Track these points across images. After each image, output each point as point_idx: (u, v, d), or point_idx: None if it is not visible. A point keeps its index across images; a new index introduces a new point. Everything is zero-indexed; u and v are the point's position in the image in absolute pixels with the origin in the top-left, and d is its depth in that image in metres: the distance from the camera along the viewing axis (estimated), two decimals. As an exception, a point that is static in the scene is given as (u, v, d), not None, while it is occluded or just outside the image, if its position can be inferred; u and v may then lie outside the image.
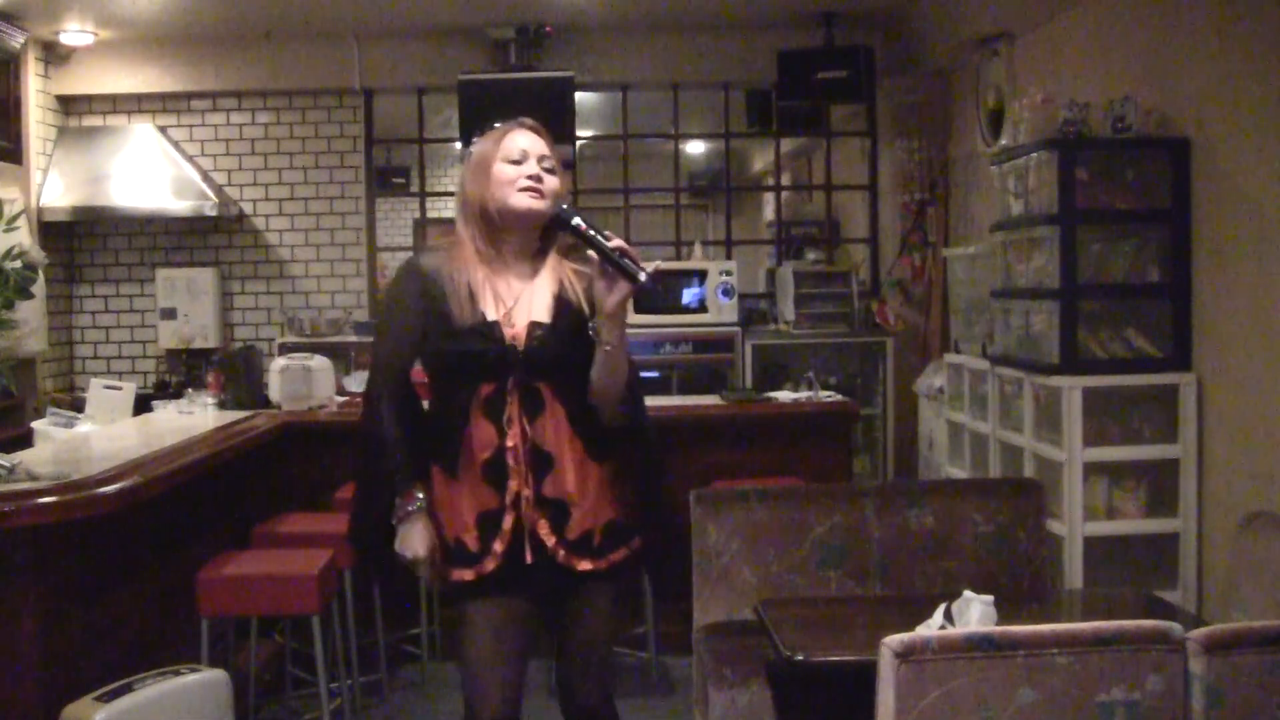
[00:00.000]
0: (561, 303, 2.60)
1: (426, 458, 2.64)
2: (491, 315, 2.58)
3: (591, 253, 2.50)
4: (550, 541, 2.57)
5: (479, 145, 2.68)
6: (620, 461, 2.66)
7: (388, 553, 2.65)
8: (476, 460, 2.57)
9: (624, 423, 2.64)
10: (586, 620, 2.69)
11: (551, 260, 2.65)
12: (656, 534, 2.74)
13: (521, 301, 2.61)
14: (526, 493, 2.56)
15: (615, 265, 2.46)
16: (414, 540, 2.60)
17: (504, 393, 2.56)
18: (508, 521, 2.56)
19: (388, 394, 2.66)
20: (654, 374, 6.65)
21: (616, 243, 2.48)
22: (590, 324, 2.55)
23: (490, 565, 2.57)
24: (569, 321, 2.58)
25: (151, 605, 3.72)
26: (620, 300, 2.48)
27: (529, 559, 2.57)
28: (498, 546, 2.57)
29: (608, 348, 2.52)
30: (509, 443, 2.55)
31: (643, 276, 2.44)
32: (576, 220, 2.52)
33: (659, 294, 6.69)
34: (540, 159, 2.62)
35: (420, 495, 2.61)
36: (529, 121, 2.69)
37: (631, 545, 2.68)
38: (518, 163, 2.60)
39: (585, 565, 2.60)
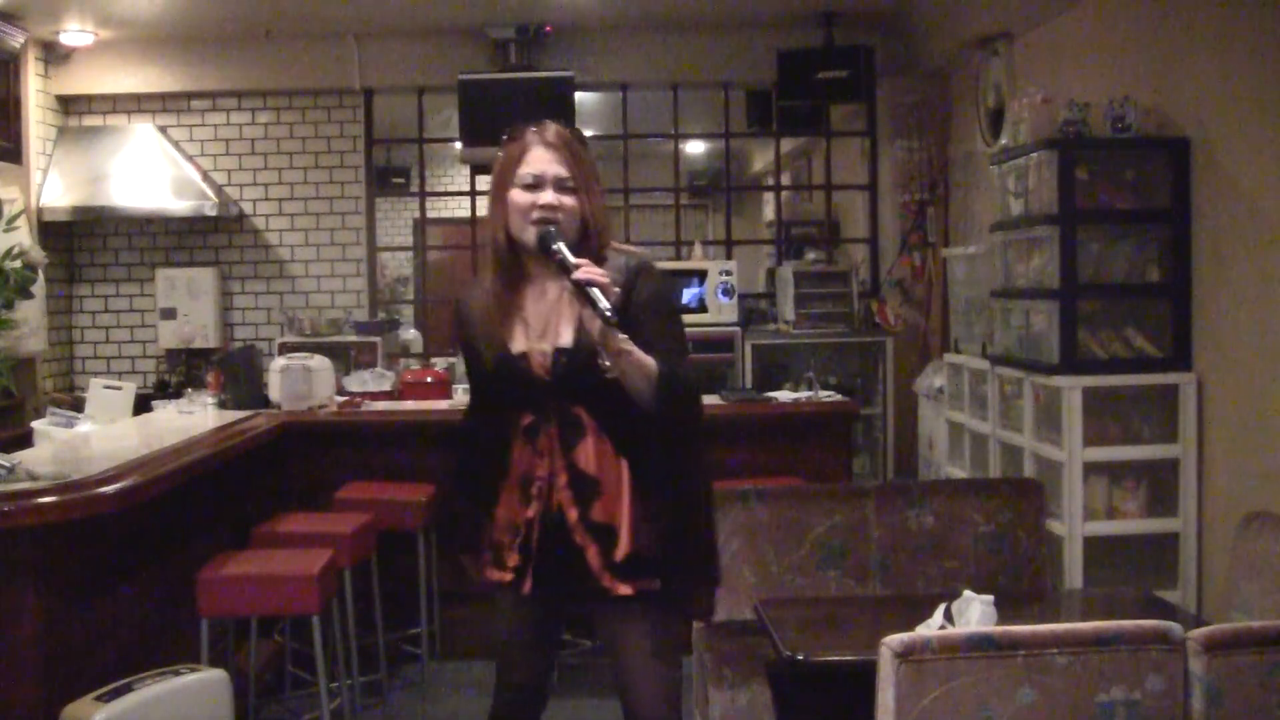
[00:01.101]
0: (584, 323, 2.48)
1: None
2: (518, 347, 2.53)
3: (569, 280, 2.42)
4: (596, 565, 2.52)
5: (500, 161, 2.55)
6: (664, 491, 2.55)
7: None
8: (516, 480, 2.58)
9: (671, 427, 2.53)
10: (636, 641, 2.58)
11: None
12: (691, 571, 2.59)
13: (550, 326, 2.54)
14: (573, 518, 2.52)
15: (584, 296, 2.37)
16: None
17: (541, 422, 2.53)
18: (528, 536, 2.57)
19: (475, 426, 2.73)
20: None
21: (583, 274, 2.36)
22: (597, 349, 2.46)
23: (508, 577, 2.61)
24: (593, 344, 2.46)
25: (151, 605, 3.72)
26: (599, 329, 2.37)
27: (564, 584, 2.57)
28: (511, 561, 2.59)
29: (609, 375, 2.44)
30: (540, 471, 2.53)
31: (602, 306, 2.33)
32: (556, 245, 2.43)
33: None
34: (557, 180, 2.49)
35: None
36: (550, 134, 2.53)
37: (658, 578, 2.58)
38: (533, 187, 2.49)
39: (626, 590, 2.53)
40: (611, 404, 2.49)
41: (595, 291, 2.35)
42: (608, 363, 2.43)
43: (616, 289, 2.40)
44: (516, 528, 2.58)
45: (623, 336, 2.40)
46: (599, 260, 2.46)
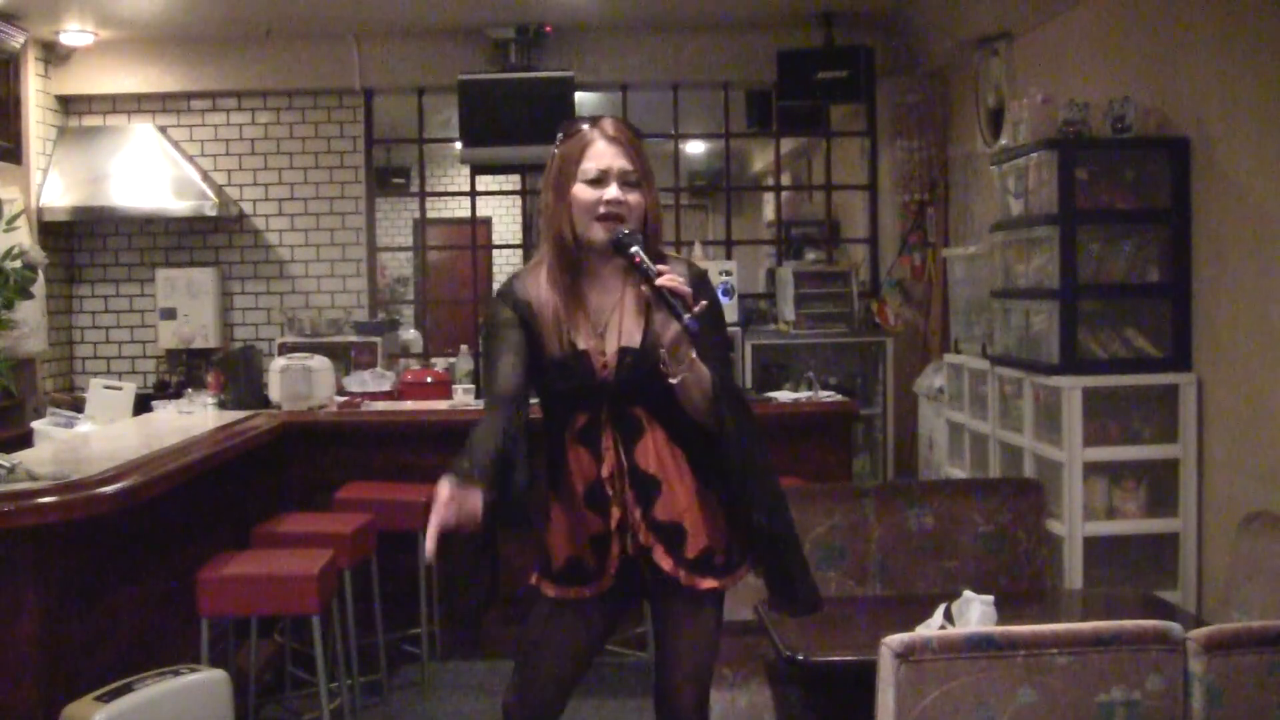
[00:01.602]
0: (650, 321, 2.47)
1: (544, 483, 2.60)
2: (582, 343, 2.49)
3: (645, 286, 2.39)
4: (668, 565, 2.51)
5: (559, 156, 2.50)
6: (732, 488, 2.54)
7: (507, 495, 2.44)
8: (578, 488, 2.53)
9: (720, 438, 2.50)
10: (692, 630, 2.59)
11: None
12: (778, 569, 2.57)
13: (612, 323, 2.51)
14: (635, 518, 2.51)
15: (664, 302, 2.34)
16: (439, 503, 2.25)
17: (599, 422, 2.50)
18: (615, 547, 2.53)
19: (496, 419, 2.48)
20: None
21: (665, 280, 2.33)
22: (660, 354, 2.42)
23: (608, 584, 2.56)
24: (664, 349, 2.44)
25: (151, 605, 3.72)
26: (673, 336, 2.33)
27: (643, 578, 2.54)
28: (611, 568, 2.55)
29: (673, 380, 2.40)
30: (604, 472, 2.50)
31: (687, 319, 2.31)
32: (633, 249, 2.40)
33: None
34: (621, 175, 2.46)
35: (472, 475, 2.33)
36: (611, 127, 2.49)
37: (745, 567, 2.60)
38: (597, 181, 2.45)
39: (710, 583, 2.53)
40: (670, 403, 2.47)
41: (675, 301, 2.32)
42: (674, 371, 2.39)
43: (705, 301, 2.37)
44: (595, 539, 2.54)
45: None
46: (660, 262, 2.43)
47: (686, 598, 2.56)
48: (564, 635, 2.62)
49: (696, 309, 2.32)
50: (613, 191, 2.45)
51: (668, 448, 2.51)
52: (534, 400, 2.61)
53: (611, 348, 2.49)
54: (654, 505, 2.51)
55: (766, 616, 2.97)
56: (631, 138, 2.50)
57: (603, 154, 2.47)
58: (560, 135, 2.54)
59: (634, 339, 2.49)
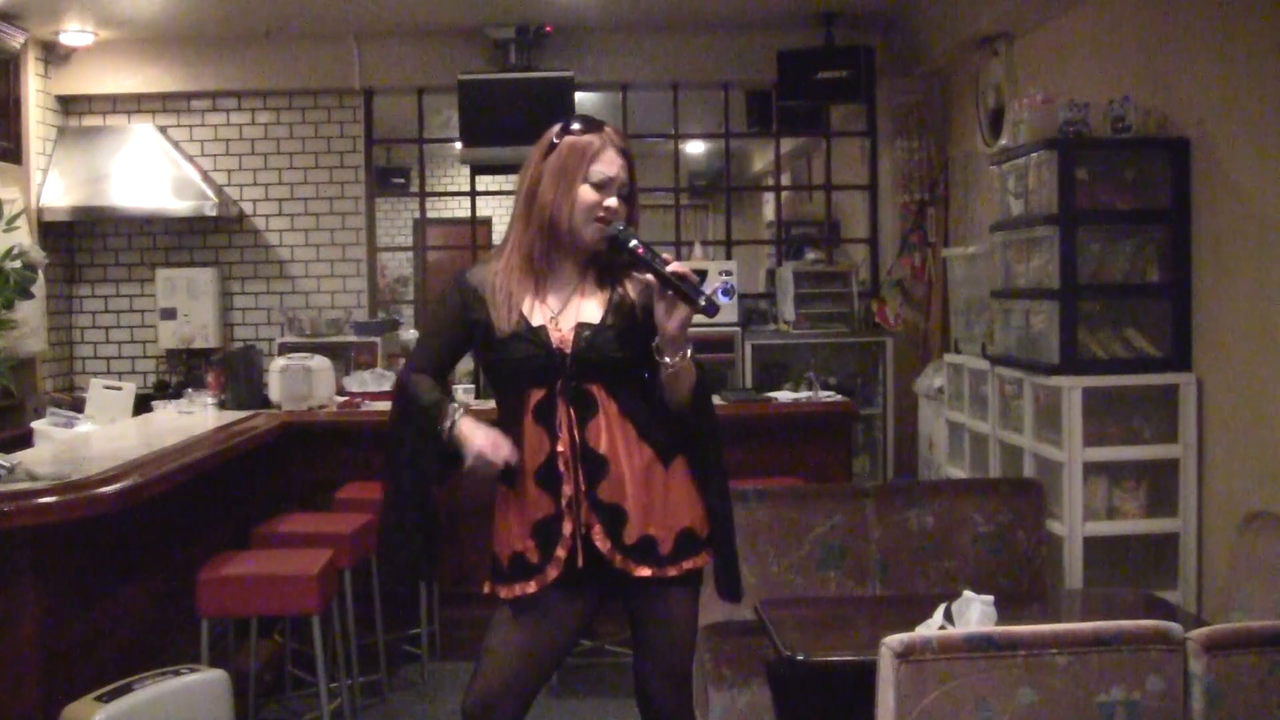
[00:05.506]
0: (614, 305, 2.57)
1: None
2: (537, 320, 2.55)
3: (649, 275, 2.48)
4: (605, 547, 2.53)
5: (567, 148, 2.55)
6: (694, 465, 2.63)
7: (422, 551, 2.62)
8: (529, 467, 2.54)
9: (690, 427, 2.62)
10: (662, 625, 2.61)
11: (605, 264, 2.61)
12: (727, 549, 2.67)
13: (570, 305, 2.58)
14: (580, 493, 2.53)
15: (674, 289, 2.42)
16: (476, 437, 2.49)
17: (554, 397, 2.53)
18: (568, 527, 2.54)
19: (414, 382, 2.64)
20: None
21: (674, 266, 2.43)
22: (654, 344, 2.52)
23: (554, 573, 2.54)
24: (620, 323, 2.55)
25: (151, 605, 3.72)
26: (680, 323, 2.45)
27: (580, 563, 2.54)
28: (560, 553, 2.54)
29: (670, 368, 2.50)
30: (559, 448, 2.52)
31: (702, 301, 2.40)
32: (634, 243, 2.48)
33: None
34: (621, 185, 2.56)
35: (456, 405, 2.56)
36: (619, 138, 2.60)
37: (702, 555, 2.62)
38: (601, 187, 2.54)
39: (644, 571, 2.54)
40: (628, 382, 2.57)
41: (685, 285, 2.42)
42: (671, 357, 2.49)
43: (722, 280, 2.49)
44: (540, 525, 2.54)
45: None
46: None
47: (650, 590, 2.58)
48: (521, 636, 2.59)
49: (709, 291, 2.42)
50: (613, 200, 2.55)
51: (620, 426, 2.55)
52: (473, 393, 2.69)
53: (568, 325, 2.56)
54: (599, 485, 2.53)
55: (766, 616, 2.97)
56: (631, 152, 2.62)
57: (613, 162, 2.57)
58: (564, 125, 2.59)
59: (593, 317, 2.57)
